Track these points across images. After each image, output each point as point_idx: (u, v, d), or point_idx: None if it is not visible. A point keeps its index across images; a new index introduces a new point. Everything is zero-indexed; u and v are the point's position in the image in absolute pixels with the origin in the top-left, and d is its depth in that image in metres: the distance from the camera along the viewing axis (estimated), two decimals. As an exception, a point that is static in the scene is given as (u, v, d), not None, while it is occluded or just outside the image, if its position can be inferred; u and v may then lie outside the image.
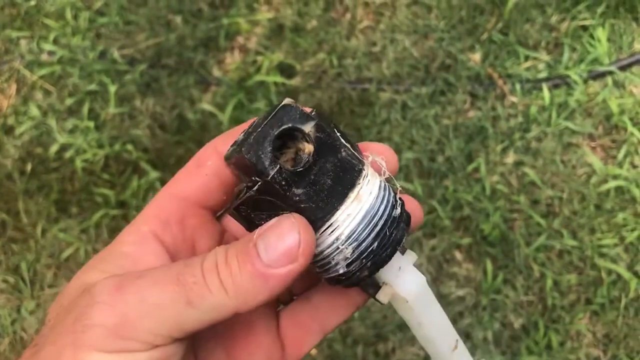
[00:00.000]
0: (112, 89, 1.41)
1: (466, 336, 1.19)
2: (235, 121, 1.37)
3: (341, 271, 0.32)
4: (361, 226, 0.32)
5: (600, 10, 1.38)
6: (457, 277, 1.24)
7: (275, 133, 0.31)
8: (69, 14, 1.51)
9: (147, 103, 1.41)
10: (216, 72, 1.44)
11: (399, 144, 1.32)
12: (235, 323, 0.35)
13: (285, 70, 1.42)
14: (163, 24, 1.49)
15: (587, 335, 1.19)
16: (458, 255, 1.26)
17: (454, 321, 1.20)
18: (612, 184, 1.26)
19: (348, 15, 1.46)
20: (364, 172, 0.32)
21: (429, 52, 1.40)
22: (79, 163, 1.37)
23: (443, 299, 1.21)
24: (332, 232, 0.31)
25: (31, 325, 1.29)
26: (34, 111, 1.43)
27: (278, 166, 0.30)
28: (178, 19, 1.48)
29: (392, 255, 0.33)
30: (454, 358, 0.37)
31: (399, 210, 0.33)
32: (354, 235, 0.32)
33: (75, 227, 1.34)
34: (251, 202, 0.31)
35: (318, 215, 0.31)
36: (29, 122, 1.43)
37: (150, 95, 1.43)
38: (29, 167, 1.39)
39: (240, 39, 1.47)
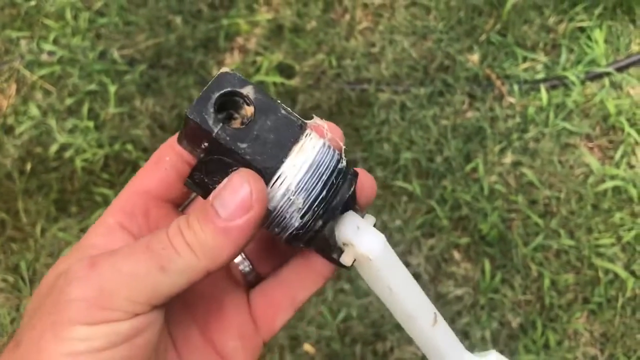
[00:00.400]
0: (112, 89, 1.42)
1: (464, 335, 1.20)
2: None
3: (296, 224, 0.34)
4: (308, 175, 0.33)
5: (597, 11, 1.39)
6: (456, 277, 1.25)
7: (216, 96, 0.33)
8: (69, 15, 1.52)
9: (147, 103, 1.42)
10: (216, 73, 1.45)
11: (398, 144, 1.33)
12: (207, 303, 0.37)
13: (285, 70, 1.42)
14: (163, 24, 1.49)
15: (585, 334, 1.20)
16: (456, 255, 1.26)
17: (452, 321, 1.20)
18: (609, 184, 1.27)
19: (347, 16, 1.47)
20: (306, 129, 0.34)
21: (427, 53, 1.41)
22: (78, 163, 1.37)
23: (441, 299, 1.22)
24: (281, 183, 0.33)
25: (30, 324, 1.29)
26: (34, 111, 1.44)
27: (221, 124, 0.32)
28: (178, 20, 1.49)
29: (342, 203, 0.35)
30: (436, 335, 0.37)
31: (344, 163, 0.35)
32: (302, 184, 0.33)
33: (75, 226, 1.34)
34: (203, 165, 0.33)
35: (266, 166, 0.33)
36: (28, 121, 1.43)
37: (150, 95, 1.43)
38: (28, 166, 1.40)
39: (239, 40, 1.48)
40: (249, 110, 0.34)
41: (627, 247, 1.24)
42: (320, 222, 0.34)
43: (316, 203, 0.34)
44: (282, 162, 0.33)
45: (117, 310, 0.29)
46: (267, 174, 0.33)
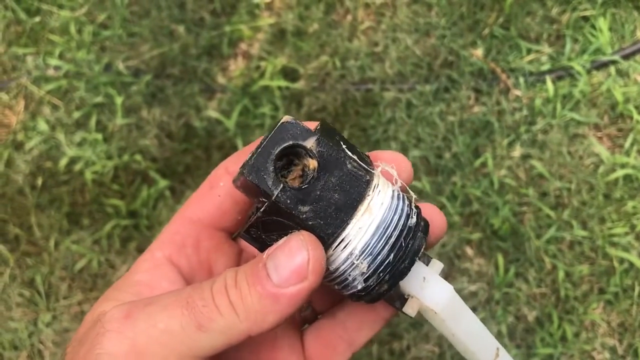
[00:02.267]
0: (119, 100, 1.43)
1: (480, 331, 1.19)
2: (242, 127, 1.38)
3: (359, 287, 0.32)
4: (374, 239, 0.31)
5: (600, 0, 1.38)
6: (469, 273, 1.24)
7: (276, 152, 0.30)
8: (73, 29, 1.53)
9: (154, 113, 1.42)
10: (221, 79, 1.46)
11: (405, 142, 1.32)
12: (258, 344, 0.34)
13: (289, 74, 1.43)
14: (166, 34, 1.50)
15: (602, 325, 1.19)
16: (469, 251, 1.26)
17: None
18: (620, 172, 1.26)
19: (349, 17, 1.47)
20: (373, 183, 0.32)
21: (431, 49, 1.41)
22: (88, 175, 1.38)
23: (456, 295, 1.21)
24: (344, 247, 0.31)
25: (48, 337, 1.30)
26: (43, 126, 1.45)
27: (282, 185, 0.30)
28: (181, 29, 1.50)
29: (411, 267, 0.32)
30: None
31: (414, 219, 0.33)
32: (368, 249, 0.31)
33: (88, 238, 1.35)
34: (260, 223, 0.31)
35: (328, 231, 0.30)
36: (38, 137, 1.44)
37: (156, 105, 1.44)
38: (39, 181, 1.41)
39: (243, 46, 1.48)
40: (311, 162, 0.31)
41: (641, 235, 1.23)
42: (385, 287, 0.32)
43: (382, 268, 0.31)
44: (347, 223, 0.31)
45: None
46: (329, 239, 0.31)
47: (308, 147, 0.31)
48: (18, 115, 1.49)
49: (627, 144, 1.28)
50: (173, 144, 1.39)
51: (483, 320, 1.19)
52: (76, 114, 1.45)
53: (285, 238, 0.29)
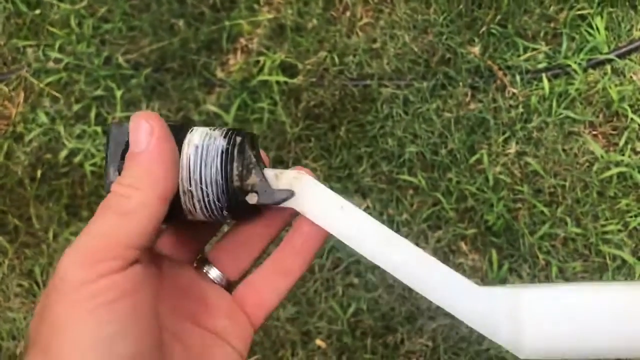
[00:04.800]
0: (118, 93, 1.44)
1: (474, 325, 1.21)
2: (240, 121, 1.39)
3: (211, 200, 0.36)
4: (197, 163, 0.36)
5: (597, -1, 1.40)
6: (464, 268, 1.26)
7: (122, 156, 0.36)
8: (73, 22, 1.54)
9: (153, 106, 1.43)
10: (220, 74, 1.47)
11: (402, 138, 1.34)
12: (193, 302, 0.38)
13: (287, 69, 1.44)
14: (166, 28, 1.51)
15: (594, 321, 1.20)
16: (463, 246, 1.27)
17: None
18: (614, 170, 1.27)
19: (348, 13, 1.48)
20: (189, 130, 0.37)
21: (428, 46, 1.42)
22: (88, 167, 1.39)
23: (450, 290, 1.23)
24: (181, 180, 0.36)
25: (46, 327, 1.31)
26: (42, 118, 1.46)
27: None
28: (181, 23, 1.50)
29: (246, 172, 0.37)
30: (385, 251, 0.36)
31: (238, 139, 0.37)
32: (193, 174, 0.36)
33: (86, 230, 1.36)
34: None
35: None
36: (37, 129, 1.45)
37: (155, 98, 1.45)
38: (39, 173, 1.42)
39: (242, 40, 1.49)
40: None
41: (634, 232, 1.24)
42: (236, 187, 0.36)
43: (208, 182, 0.36)
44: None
45: (109, 260, 0.31)
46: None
47: None
48: (18, 107, 1.49)
49: (621, 143, 1.29)
50: (172, 137, 1.40)
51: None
52: (76, 107, 1.45)
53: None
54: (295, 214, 0.39)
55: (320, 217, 0.37)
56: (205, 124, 0.40)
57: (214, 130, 0.37)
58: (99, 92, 1.46)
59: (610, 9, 1.39)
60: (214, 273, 0.40)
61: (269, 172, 0.37)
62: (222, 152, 0.36)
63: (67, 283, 0.30)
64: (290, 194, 0.37)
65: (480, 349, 1.19)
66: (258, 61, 1.45)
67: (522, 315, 0.33)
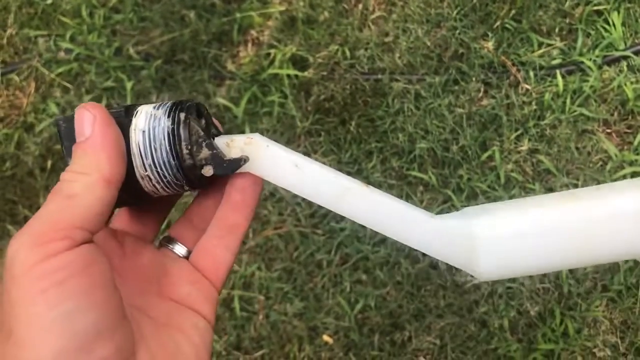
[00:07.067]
0: (129, 85, 1.43)
1: (482, 324, 1.20)
2: (250, 114, 1.38)
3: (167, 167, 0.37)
4: (146, 144, 0.36)
5: (614, -6, 1.37)
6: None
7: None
8: (84, 12, 1.53)
9: (163, 98, 1.43)
10: (230, 66, 1.46)
11: (413, 133, 1.32)
12: (154, 276, 0.39)
13: (298, 62, 1.43)
14: (177, 19, 1.50)
15: (604, 322, 1.19)
16: (473, 244, 1.26)
17: (470, 310, 1.20)
18: (627, 170, 1.25)
19: (360, 6, 1.46)
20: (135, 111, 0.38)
21: (441, 41, 1.40)
22: (97, 159, 1.39)
23: (459, 288, 1.22)
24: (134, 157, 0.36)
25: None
26: (53, 108, 1.46)
27: None
28: (192, 14, 1.50)
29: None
30: (346, 200, 0.38)
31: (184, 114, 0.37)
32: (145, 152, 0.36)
33: (95, 221, 1.36)
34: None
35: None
36: (48, 119, 1.45)
37: (165, 90, 1.45)
38: (49, 163, 1.42)
39: (253, 33, 1.48)
40: None
41: (647, 233, 1.22)
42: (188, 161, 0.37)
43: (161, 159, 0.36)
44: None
45: (56, 241, 0.31)
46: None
47: None
48: (29, 97, 1.50)
49: (636, 142, 1.27)
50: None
51: (485, 314, 1.20)
52: (86, 98, 1.45)
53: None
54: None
55: (276, 178, 0.38)
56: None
57: (157, 109, 0.37)
58: (109, 83, 1.45)
59: (628, 5, 1.36)
60: (178, 249, 0.41)
61: (221, 141, 0.38)
62: (168, 133, 0.36)
63: (17, 266, 0.30)
64: (244, 160, 0.38)
65: (489, 348, 1.18)
66: (269, 54, 1.44)
67: (476, 244, 0.37)
